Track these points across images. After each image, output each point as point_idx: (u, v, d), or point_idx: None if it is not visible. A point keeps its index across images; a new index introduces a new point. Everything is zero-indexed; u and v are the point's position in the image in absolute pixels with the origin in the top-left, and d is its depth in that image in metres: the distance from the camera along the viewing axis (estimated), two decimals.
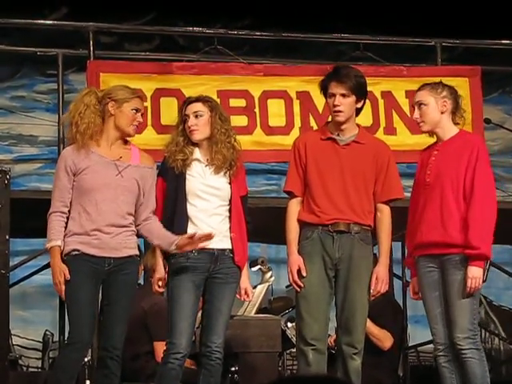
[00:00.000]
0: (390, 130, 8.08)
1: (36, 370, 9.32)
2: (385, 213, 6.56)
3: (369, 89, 7.78)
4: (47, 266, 7.96)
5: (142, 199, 6.32)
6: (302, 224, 6.51)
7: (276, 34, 8.70)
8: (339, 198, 6.45)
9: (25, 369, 9.47)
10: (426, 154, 6.54)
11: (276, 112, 8.01)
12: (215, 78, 7.97)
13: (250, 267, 8.56)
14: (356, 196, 6.48)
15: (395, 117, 8.10)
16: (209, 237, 6.14)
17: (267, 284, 8.40)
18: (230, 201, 6.45)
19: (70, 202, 6.24)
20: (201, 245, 6.16)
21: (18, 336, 9.35)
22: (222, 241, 6.41)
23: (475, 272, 6.29)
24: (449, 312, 6.36)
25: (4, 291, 7.04)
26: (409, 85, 8.12)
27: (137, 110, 6.33)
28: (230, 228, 6.42)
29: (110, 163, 6.26)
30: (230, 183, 6.45)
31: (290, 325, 8.26)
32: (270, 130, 7.97)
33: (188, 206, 6.38)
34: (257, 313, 8.19)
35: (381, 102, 8.02)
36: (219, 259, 6.39)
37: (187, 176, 6.39)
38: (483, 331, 8.92)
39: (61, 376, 6.22)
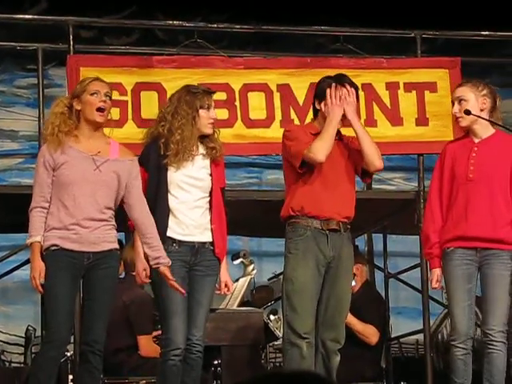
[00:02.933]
0: (371, 122, 8.06)
1: (18, 365, 9.31)
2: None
3: None
4: (28, 261, 7.95)
5: (122, 193, 6.31)
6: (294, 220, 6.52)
7: (255, 27, 8.68)
8: (333, 192, 6.47)
9: (7, 364, 9.45)
10: (461, 148, 6.55)
11: (257, 105, 8.00)
12: (196, 71, 7.95)
13: (232, 260, 8.57)
14: (349, 194, 6.51)
15: (376, 109, 8.10)
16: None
17: (249, 277, 8.41)
18: (211, 193, 6.46)
19: (50, 197, 6.25)
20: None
21: (0, 331, 9.32)
22: (202, 234, 6.41)
23: None
24: (487, 304, 6.40)
25: None
26: (389, 77, 8.14)
27: (96, 93, 6.32)
28: (210, 220, 6.43)
29: (88, 158, 6.25)
30: (210, 174, 6.46)
31: (272, 317, 8.27)
32: (250, 123, 7.97)
33: (169, 198, 6.41)
34: (239, 306, 8.20)
35: (361, 94, 7.99)
36: (199, 252, 6.39)
37: (169, 167, 6.40)
38: None
39: (40, 375, 6.20)
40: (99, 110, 6.24)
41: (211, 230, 6.41)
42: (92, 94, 6.30)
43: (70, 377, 6.72)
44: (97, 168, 6.25)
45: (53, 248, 6.18)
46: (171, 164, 6.35)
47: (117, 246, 6.38)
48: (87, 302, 6.27)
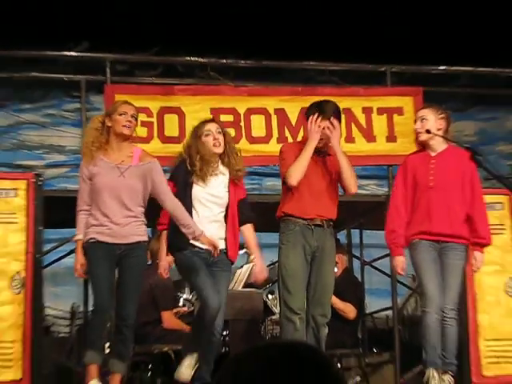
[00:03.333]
0: (350, 139, 8.08)
1: (65, 335, 9.30)
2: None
3: None
4: (73, 251, 7.97)
5: (148, 191, 6.31)
6: (286, 219, 6.52)
7: (257, 62, 8.69)
8: (319, 198, 6.47)
9: (56, 334, 9.44)
10: (420, 160, 6.55)
11: (258, 125, 8.01)
12: (208, 98, 7.96)
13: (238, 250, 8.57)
14: (331, 199, 6.50)
15: (354, 128, 8.11)
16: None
17: (251, 264, 8.38)
18: (227, 207, 6.45)
19: (91, 200, 6.27)
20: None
21: (51, 308, 9.30)
22: (219, 242, 6.37)
23: (482, 256, 6.37)
24: (445, 286, 6.38)
25: (39, 272, 7.03)
26: (365, 103, 8.14)
27: (124, 114, 6.33)
28: (225, 231, 6.42)
29: (114, 167, 6.27)
30: (228, 191, 6.45)
31: (270, 297, 8.25)
32: (253, 140, 7.97)
33: (193, 212, 6.38)
34: (243, 287, 8.20)
35: (342, 116, 8.00)
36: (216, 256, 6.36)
37: (197, 185, 6.40)
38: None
39: (93, 336, 6.27)
40: (124, 127, 6.27)
41: (225, 239, 6.40)
42: (121, 114, 6.31)
43: (107, 344, 6.71)
44: (121, 174, 6.26)
45: (91, 241, 6.22)
46: (197, 182, 6.34)
47: (145, 238, 6.37)
48: (120, 285, 6.29)
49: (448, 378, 6.44)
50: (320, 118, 6.40)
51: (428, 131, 6.42)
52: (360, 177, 10.08)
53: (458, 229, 6.42)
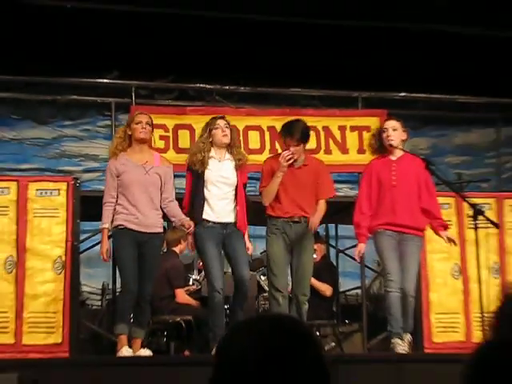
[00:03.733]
0: (328, 151, 8.07)
1: (97, 307, 9.30)
2: (320, 205, 6.55)
3: (314, 125, 7.86)
4: None
5: (162, 189, 6.33)
6: (270, 217, 6.55)
7: (253, 88, 8.71)
8: (295, 201, 6.50)
9: (90, 307, 9.43)
10: (383, 164, 6.53)
11: (254, 139, 8.01)
12: (214, 117, 7.94)
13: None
14: (305, 200, 6.50)
15: (331, 142, 8.10)
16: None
17: (250, 250, 8.39)
18: (236, 188, 6.45)
19: (117, 194, 6.24)
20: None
21: (86, 285, 9.30)
22: (228, 216, 6.40)
23: (448, 233, 6.39)
24: (405, 270, 6.36)
25: (76, 257, 7.04)
26: (340, 122, 8.12)
27: (139, 122, 6.34)
28: (235, 206, 6.40)
29: (140, 166, 6.27)
30: (236, 175, 6.46)
31: (262, 278, 8.26)
32: (249, 151, 7.94)
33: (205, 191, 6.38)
34: None
35: (322, 133, 8.02)
36: (228, 227, 6.38)
37: (204, 169, 6.40)
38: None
39: (122, 311, 6.25)
40: (141, 133, 6.29)
41: (236, 214, 6.38)
42: (137, 123, 6.33)
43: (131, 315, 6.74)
44: (146, 173, 6.27)
45: (120, 227, 6.19)
46: (198, 168, 6.33)
47: (162, 229, 6.39)
48: (140, 268, 6.26)
49: (407, 336, 6.44)
50: (290, 147, 6.36)
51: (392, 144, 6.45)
52: (336, 181, 10.08)
53: (418, 221, 6.42)
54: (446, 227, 6.49)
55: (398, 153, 6.52)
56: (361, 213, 6.54)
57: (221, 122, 6.48)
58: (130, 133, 6.33)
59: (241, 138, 7.93)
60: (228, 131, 6.46)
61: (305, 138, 6.46)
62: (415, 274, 6.42)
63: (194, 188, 6.39)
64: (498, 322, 2.08)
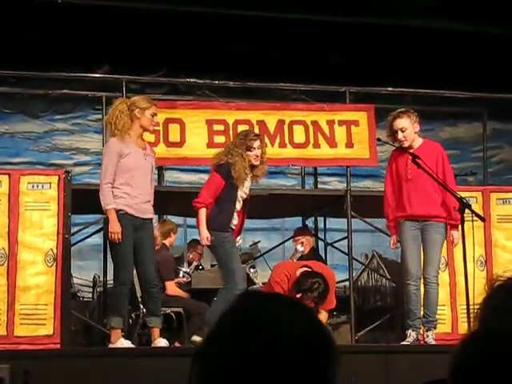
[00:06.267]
0: (317, 145, 8.05)
1: (88, 299, 9.29)
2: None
3: (303, 119, 7.86)
4: (95, 232, 7.96)
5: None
6: None
7: (243, 83, 8.70)
8: None
9: (81, 299, 9.43)
10: (400, 156, 6.51)
11: None
12: (204, 111, 7.91)
13: None
14: None
15: (320, 137, 8.07)
16: None
17: (237, 244, 8.40)
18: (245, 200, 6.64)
19: (115, 175, 6.16)
20: None
21: (77, 277, 9.29)
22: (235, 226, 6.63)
23: (457, 234, 6.37)
24: (426, 258, 6.38)
25: (68, 249, 7.02)
26: (328, 116, 8.10)
27: (154, 115, 6.29)
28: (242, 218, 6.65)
29: (140, 151, 6.23)
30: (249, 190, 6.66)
31: (252, 270, 8.28)
32: None
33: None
34: None
35: (310, 127, 8.00)
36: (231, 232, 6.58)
37: (240, 187, 6.49)
38: (375, 274, 8.93)
39: (119, 305, 6.20)
40: (152, 125, 6.26)
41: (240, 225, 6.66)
42: (152, 115, 6.27)
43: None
44: (145, 158, 6.24)
45: (121, 212, 6.11)
46: (239, 184, 6.49)
47: (153, 215, 6.40)
48: (140, 254, 6.17)
49: (431, 333, 6.46)
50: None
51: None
52: (325, 174, 10.14)
53: (434, 212, 6.41)
54: (455, 226, 6.47)
55: (417, 143, 6.50)
56: (388, 205, 6.59)
57: (256, 145, 6.53)
58: (138, 116, 6.20)
59: (230, 132, 7.93)
60: (260, 152, 6.55)
61: (321, 300, 6.44)
62: (438, 260, 6.43)
63: (229, 198, 6.46)
64: (483, 314, 2.09)
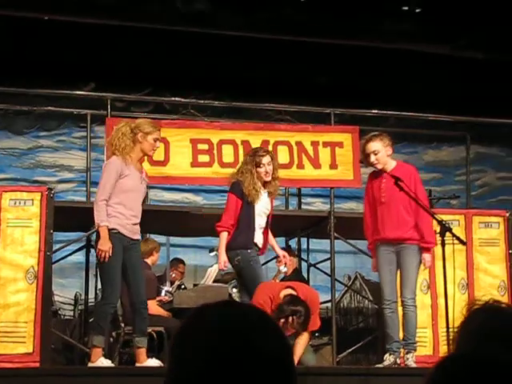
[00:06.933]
0: (301, 166, 8.05)
1: (69, 317, 9.24)
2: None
3: (287, 139, 7.87)
4: (77, 250, 7.93)
5: None
6: None
7: (228, 103, 8.72)
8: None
9: (62, 317, 9.37)
10: (375, 179, 6.57)
11: (227, 153, 7.96)
12: (189, 130, 7.90)
13: (209, 252, 8.53)
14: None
15: (304, 158, 8.07)
16: None
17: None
18: (268, 216, 6.70)
19: (111, 193, 6.14)
20: None
21: (58, 295, 9.25)
22: (260, 243, 6.67)
23: (429, 257, 6.39)
24: (403, 280, 6.39)
25: (49, 267, 6.98)
26: (313, 137, 8.11)
27: (157, 140, 6.28)
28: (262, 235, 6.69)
29: (138, 174, 6.22)
30: (271, 205, 6.73)
31: (234, 290, 8.24)
32: (223, 164, 7.93)
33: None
34: (213, 282, 8.19)
35: (295, 148, 8.00)
36: (257, 252, 6.63)
37: (256, 202, 6.51)
38: (358, 295, 8.93)
39: (103, 323, 6.17)
40: (153, 151, 6.26)
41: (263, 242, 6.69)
42: (155, 140, 6.26)
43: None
44: (141, 182, 6.24)
45: (114, 231, 6.09)
46: (251, 200, 6.55)
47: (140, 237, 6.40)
48: (132, 274, 6.15)
49: (411, 356, 6.45)
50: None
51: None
52: (309, 195, 10.16)
53: (408, 235, 6.43)
54: (428, 249, 6.50)
55: (390, 165, 6.53)
56: (367, 228, 6.64)
57: (265, 161, 6.56)
58: (140, 140, 6.20)
59: (214, 151, 7.93)
60: (270, 169, 6.56)
61: (301, 328, 6.40)
62: (414, 282, 6.44)
63: (247, 215, 6.52)
64: (460, 337, 2.10)
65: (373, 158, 6.48)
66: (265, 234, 6.69)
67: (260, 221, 6.59)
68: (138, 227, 6.25)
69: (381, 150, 6.49)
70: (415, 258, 6.45)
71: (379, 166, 6.47)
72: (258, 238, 6.61)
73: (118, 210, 6.08)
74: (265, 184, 6.65)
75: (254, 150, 6.87)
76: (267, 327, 1.58)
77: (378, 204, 6.50)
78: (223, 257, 6.47)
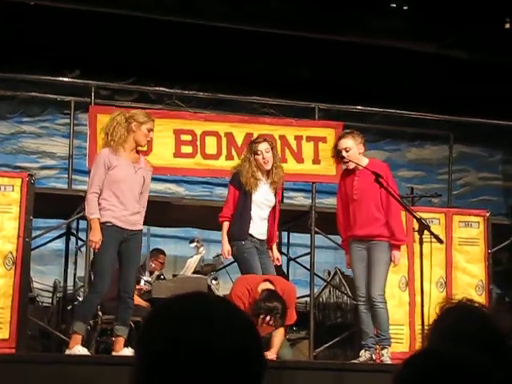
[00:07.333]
0: (284, 160, 8.02)
1: (47, 305, 9.22)
2: None
3: (271, 133, 7.87)
4: (57, 237, 7.91)
5: (141, 191, 6.31)
6: None
7: (213, 94, 8.71)
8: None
9: (40, 304, 9.35)
10: (348, 177, 6.58)
11: (211, 145, 7.97)
12: (173, 121, 7.91)
13: (189, 243, 8.53)
14: None
15: (287, 152, 8.10)
16: None
17: (200, 255, 8.38)
18: (273, 208, 6.68)
19: (102, 187, 6.14)
20: None
21: (37, 282, 9.22)
22: (264, 234, 6.66)
23: (399, 254, 6.42)
24: (371, 277, 6.41)
25: (28, 253, 6.97)
26: (296, 132, 8.14)
27: (151, 130, 6.28)
28: (267, 226, 6.67)
29: (130, 165, 6.20)
30: (275, 196, 6.63)
31: (214, 282, 8.25)
32: (206, 156, 7.95)
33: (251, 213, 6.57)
34: (193, 273, 8.19)
35: (278, 142, 8.02)
36: (262, 244, 6.66)
37: (253, 192, 6.47)
38: (337, 291, 8.95)
39: (86, 311, 6.19)
40: (147, 141, 6.25)
41: (268, 233, 6.67)
42: (148, 131, 6.25)
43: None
44: (135, 172, 6.21)
45: (108, 224, 6.09)
46: (249, 189, 6.52)
47: (142, 227, 6.38)
48: (124, 264, 6.18)
49: (386, 352, 6.48)
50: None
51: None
52: (291, 190, 10.17)
53: (378, 232, 6.46)
54: (397, 247, 6.53)
55: (362, 163, 6.55)
56: (340, 225, 6.66)
57: (262, 148, 6.55)
58: (134, 129, 6.19)
59: (198, 142, 7.92)
60: (269, 156, 6.56)
61: (278, 324, 6.38)
62: (383, 279, 6.45)
63: (243, 205, 6.50)
64: (431, 335, 2.12)
65: (344, 154, 6.50)
66: (270, 225, 6.67)
67: (260, 212, 6.58)
68: (137, 217, 6.22)
69: (352, 148, 6.51)
70: (385, 254, 6.47)
71: (350, 166, 6.50)
72: (258, 229, 6.57)
73: (112, 203, 6.10)
74: (268, 174, 6.63)
75: (252, 140, 6.91)
76: (234, 318, 1.58)
77: (351, 201, 6.53)
78: (226, 246, 6.51)
